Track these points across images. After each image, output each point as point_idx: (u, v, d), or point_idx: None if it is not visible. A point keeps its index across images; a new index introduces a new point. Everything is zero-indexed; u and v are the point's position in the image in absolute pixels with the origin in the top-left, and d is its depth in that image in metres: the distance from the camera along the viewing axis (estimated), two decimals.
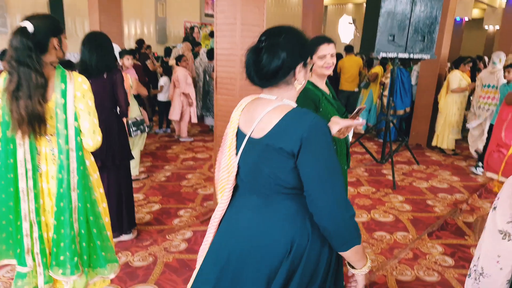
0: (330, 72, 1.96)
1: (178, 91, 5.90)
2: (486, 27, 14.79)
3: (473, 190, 4.37)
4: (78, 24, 8.59)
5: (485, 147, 4.81)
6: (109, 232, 1.92)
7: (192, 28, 10.48)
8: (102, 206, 1.91)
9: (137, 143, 4.26)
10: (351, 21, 8.83)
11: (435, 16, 4.53)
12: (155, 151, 5.47)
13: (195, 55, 7.47)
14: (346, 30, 8.87)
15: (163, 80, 6.28)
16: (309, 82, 1.96)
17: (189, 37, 10.09)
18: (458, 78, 5.57)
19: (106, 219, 1.93)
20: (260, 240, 1.15)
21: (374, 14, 4.38)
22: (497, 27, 14.46)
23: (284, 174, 1.10)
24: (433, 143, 5.95)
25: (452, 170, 5.08)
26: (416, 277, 2.61)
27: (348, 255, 1.13)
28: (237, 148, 1.23)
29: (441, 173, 4.96)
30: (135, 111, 4.09)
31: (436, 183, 4.55)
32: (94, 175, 1.89)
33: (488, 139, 4.70)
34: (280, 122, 1.11)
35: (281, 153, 1.09)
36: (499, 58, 5.16)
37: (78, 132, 1.74)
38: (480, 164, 4.93)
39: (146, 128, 4.12)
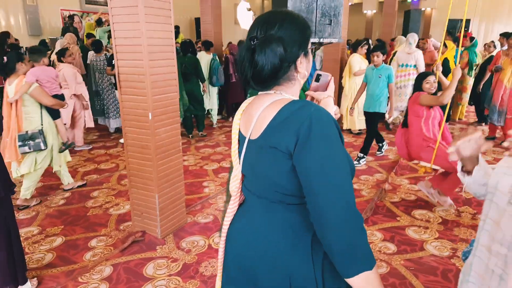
0: None
1: (67, 93, 4.99)
2: (365, 11, 16.08)
3: (388, 168, 4.55)
4: None
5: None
6: None
7: (71, 17, 9.18)
8: None
9: (29, 162, 3.43)
10: (249, 7, 8.63)
11: None
12: None
13: (84, 48, 6.50)
14: (245, 17, 8.64)
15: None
16: None
17: (69, 27, 8.82)
18: (358, 61, 5.79)
19: None
20: (257, 259, 1.03)
21: None
22: (374, 11, 15.89)
23: (281, 179, 0.94)
24: (344, 127, 6.14)
25: None
26: None
27: (358, 285, 0.89)
28: (241, 154, 1.09)
29: (356, 154, 5.08)
30: (32, 123, 3.38)
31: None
32: None
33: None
34: (275, 117, 0.96)
35: (276, 153, 0.93)
36: (414, 39, 5.67)
37: None
38: (380, 144, 4.99)
39: (42, 145, 3.36)
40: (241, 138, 1.10)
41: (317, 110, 0.91)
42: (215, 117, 6.78)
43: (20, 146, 3.30)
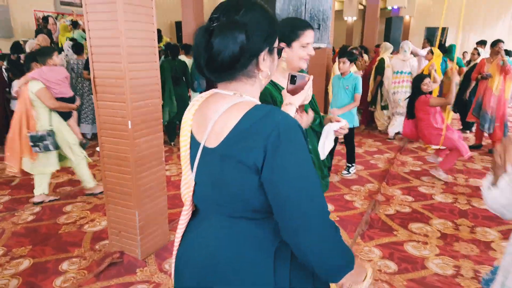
0: (305, 65, 1.56)
1: None
2: (345, 18, 16.15)
3: (379, 177, 4.40)
4: None
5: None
6: None
7: (45, 19, 8.76)
8: None
9: (45, 163, 3.45)
10: None
11: (327, 1, 4.38)
12: (13, 178, 4.19)
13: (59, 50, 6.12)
14: None
15: (18, 84, 4.88)
16: None
17: (43, 29, 8.40)
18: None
19: None
20: (217, 276, 0.91)
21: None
22: (355, 18, 15.99)
23: (246, 194, 0.86)
24: None
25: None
26: None
27: (343, 281, 0.91)
28: (193, 159, 0.97)
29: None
30: (43, 124, 3.38)
31: (344, 174, 4.46)
32: None
33: None
34: (238, 125, 0.86)
35: (241, 167, 0.84)
36: (408, 47, 5.77)
37: None
38: (350, 165, 4.50)
39: (51, 146, 3.31)
40: (194, 142, 0.98)
41: (285, 118, 0.85)
42: None
43: (32, 146, 3.29)
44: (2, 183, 4.07)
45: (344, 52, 5.86)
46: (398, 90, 5.89)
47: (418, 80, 4.18)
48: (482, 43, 7.73)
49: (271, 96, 1.49)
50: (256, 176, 0.84)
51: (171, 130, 5.63)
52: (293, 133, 0.84)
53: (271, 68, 0.96)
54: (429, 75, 4.07)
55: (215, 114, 0.90)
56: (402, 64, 5.83)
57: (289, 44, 1.51)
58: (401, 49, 5.92)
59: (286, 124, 0.83)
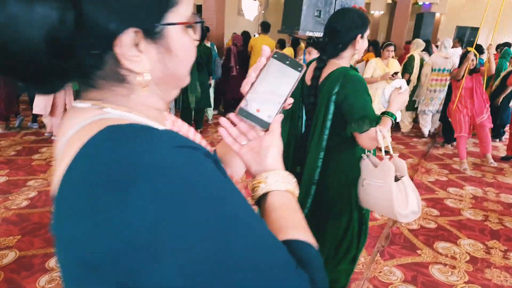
0: None
1: None
2: (372, 12, 15.56)
3: None
4: None
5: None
6: None
7: None
8: None
9: None
10: None
11: None
12: (13, 158, 4.00)
13: None
14: (250, 6, 8.11)
15: None
16: (352, 68, 1.59)
17: None
18: (372, 66, 5.07)
19: None
20: None
21: None
22: (382, 12, 15.40)
23: None
24: None
25: None
26: None
27: None
28: None
29: None
30: None
31: None
32: None
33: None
34: (67, 177, 0.43)
35: (74, 262, 0.42)
36: (449, 44, 5.61)
37: None
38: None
39: None
40: None
41: (155, 168, 0.40)
42: (210, 112, 6.23)
43: None
44: (2, 162, 3.89)
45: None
46: (438, 89, 5.67)
47: (463, 56, 4.70)
48: (506, 45, 7.21)
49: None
50: (96, 278, 0.42)
51: (187, 117, 5.28)
52: (190, 206, 0.40)
53: (165, 65, 0.52)
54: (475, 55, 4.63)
55: (61, 141, 0.51)
56: (444, 62, 5.53)
57: (362, 36, 1.54)
58: (441, 46, 5.62)
59: (173, 193, 0.40)
